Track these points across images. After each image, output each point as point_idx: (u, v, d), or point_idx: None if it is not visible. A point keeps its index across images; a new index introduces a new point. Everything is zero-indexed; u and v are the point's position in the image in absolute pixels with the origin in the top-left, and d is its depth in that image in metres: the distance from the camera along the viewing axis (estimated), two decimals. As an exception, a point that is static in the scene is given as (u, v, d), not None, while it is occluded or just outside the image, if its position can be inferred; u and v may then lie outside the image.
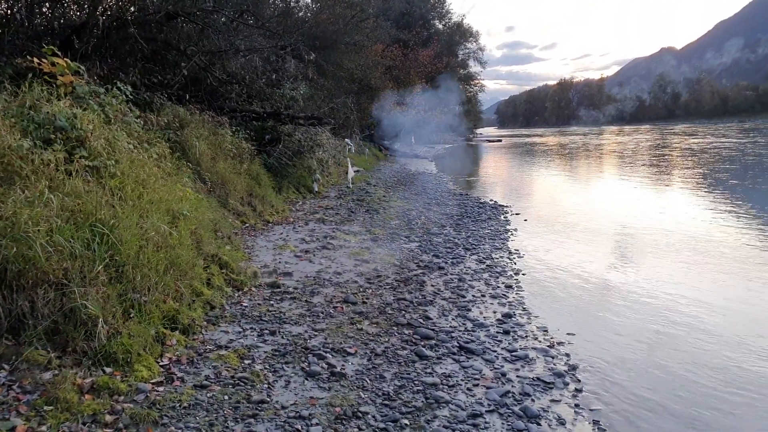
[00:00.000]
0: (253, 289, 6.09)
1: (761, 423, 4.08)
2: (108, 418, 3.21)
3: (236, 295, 5.81)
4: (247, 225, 8.91)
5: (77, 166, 4.73)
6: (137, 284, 4.29)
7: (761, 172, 21.80)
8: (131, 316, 4.10)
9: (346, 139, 19.65)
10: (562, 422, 3.88)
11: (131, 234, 4.43)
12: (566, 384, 4.48)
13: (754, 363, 5.01)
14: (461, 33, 60.84)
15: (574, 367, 4.80)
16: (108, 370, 3.62)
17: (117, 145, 5.51)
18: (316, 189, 13.49)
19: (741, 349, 5.29)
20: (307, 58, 14.32)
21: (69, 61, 6.21)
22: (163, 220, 5.11)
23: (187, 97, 10.09)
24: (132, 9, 8.75)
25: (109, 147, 5.32)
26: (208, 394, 3.70)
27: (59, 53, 6.22)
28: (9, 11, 7.78)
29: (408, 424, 3.62)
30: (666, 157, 31.47)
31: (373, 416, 3.67)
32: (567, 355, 5.07)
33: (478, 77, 67.67)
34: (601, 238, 10.67)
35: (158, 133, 7.63)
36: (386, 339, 5.01)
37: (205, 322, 4.90)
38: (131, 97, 7.08)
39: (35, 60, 5.96)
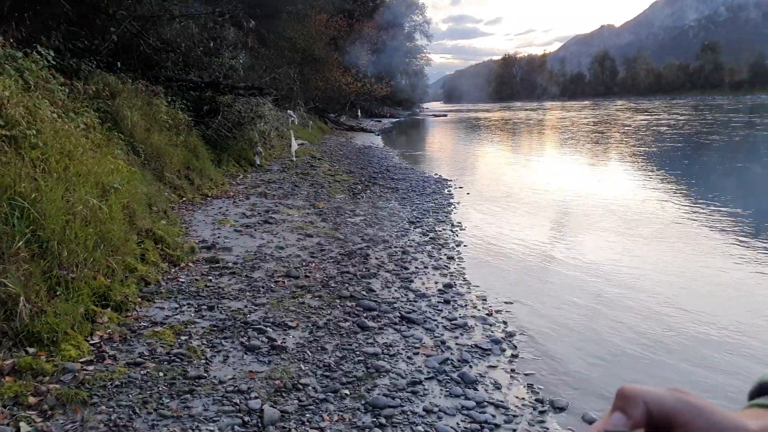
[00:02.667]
0: (191, 264, 5.92)
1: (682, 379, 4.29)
2: (32, 399, 3.06)
3: (173, 270, 5.63)
4: (184, 199, 8.63)
5: (-6, 136, 4.42)
6: (63, 260, 4.07)
7: (694, 149, 22.83)
8: (57, 293, 3.90)
9: (289, 111, 19.29)
10: (498, 387, 3.98)
11: (56, 208, 4.19)
12: (503, 350, 4.59)
13: (684, 333, 5.20)
14: (407, 5, 60.42)
15: (511, 334, 4.93)
16: (31, 350, 3.44)
17: (38, 113, 5.17)
18: (258, 162, 13.20)
19: (672, 320, 5.49)
20: (247, 26, 13.83)
21: (-18, 24, 5.77)
22: (92, 193, 4.86)
23: (119, 65, 9.57)
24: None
25: (30, 116, 4.99)
26: (142, 372, 3.58)
27: (-28, 15, 5.77)
28: None
29: (348, 394, 3.62)
30: (604, 132, 32.48)
31: (314, 388, 3.65)
32: (504, 322, 5.19)
33: (425, 51, 67.68)
34: (541, 210, 10.95)
35: (86, 103, 7.21)
36: (329, 312, 4.98)
37: (139, 299, 4.73)
38: (54, 63, 6.64)
39: (-55, 21, 5.50)
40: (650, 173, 16.02)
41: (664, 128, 33.08)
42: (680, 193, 12.69)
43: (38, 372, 3.29)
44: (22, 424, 2.89)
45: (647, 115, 50.63)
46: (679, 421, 0.45)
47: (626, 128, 34.26)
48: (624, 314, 5.54)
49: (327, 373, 3.86)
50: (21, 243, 3.71)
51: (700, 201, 11.32)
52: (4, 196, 3.85)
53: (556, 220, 10.08)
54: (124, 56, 9.98)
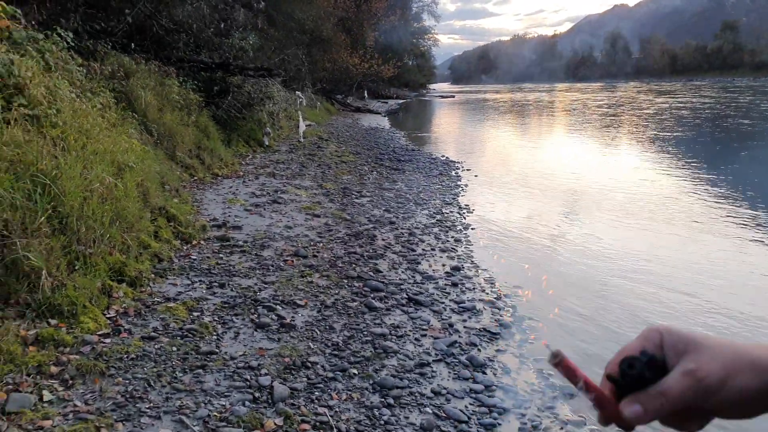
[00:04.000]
0: (202, 242, 6.05)
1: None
2: (53, 369, 3.21)
3: (185, 248, 5.77)
4: (195, 178, 8.76)
5: (16, 115, 4.53)
6: (82, 236, 4.20)
7: (711, 132, 22.62)
8: (76, 268, 4.04)
9: (297, 92, 19.31)
10: (507, 371, 4.06)
11: (74, 185, 4.31)
12: (512, 335, 4.67)
13: (697, 316, 5.30)
14: (416, -16, 59.86)
15: (520, 318, 5.01)
16: (53, 322, 3.59)
17: (58, 93, 5.27)
18: (267, 143, 13.29)
19: (684, 301, 5.60)
20: (257, 6, 13.84)
21: (4, 5, 5.84)
22: (108, 171, 4.97)
23: (133, 45, 9.65)
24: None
25: (50, 95, 5.09)
26: (156, 346, 3.72)
27: (-6, -3, 5.85)
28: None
29: (356, 373, 3.74)
30: (620, 115, 32.25)
31: (322, 366, 3.78)
32: (513, 307, 5.27)
33: (432, 31, 67.16)
34: (550, 193, 10.98)
35: (102, 83, 7.32)
36: (336, 291, 5.10)
37: (152, 275, 4.86)
38: (73, 44, 6.74)
39: (-32, 3, 5.59)
40: (670, 159, 15.77)
41: (687, 111, 32.57)
42: (703, 180, 12.36)
43: (59, 342, 3.44)
44: (44, 392, 3.04)
45: (667, 96, 49.93)
46: (690, 345, 0.58)
47: (644, 111, 33.92)
48: (635, 301, 5.60)
49: (335, 352, 3.98)
50: (43, 218, 3.84)
51: (725, 190, 11.10)
52: (27, 173, 3.97)
53: (567, 204, 10.10)
54: (138, 37, 10.05)
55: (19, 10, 6.15)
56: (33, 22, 6.53)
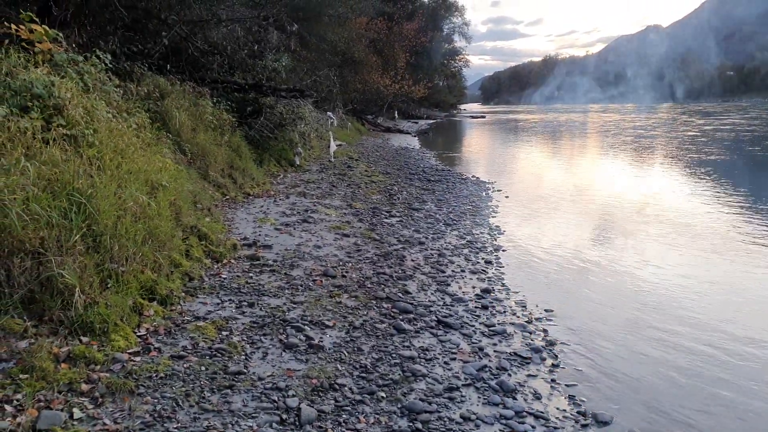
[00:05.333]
0: (233, 261, 6.09)
1: (736, 404, 4.20)
2: (84, 386, 3.22)
3: (215, 266, 5.80)
4: (227, 197, 8.86)
5: (54, 135, 4.65)
6: (115, 254, 4.26)
7: (751, 154, 22.06)
8: (108, 286, 4.08)
9: (329, 113, 19.51)
10: (538, 397, 3.96)
11: (109, 204, 4.38)
12: (543, 359, 4.56)
13: (731, 346, 5.08)
14: (446, 7, 60.25)
15: (551, 343, 4.88)
16: (85, 339, 3.62)
17: (95, 114, 5.41)
18: (298, 162, 13.41)
19: (720, 332, 5.37)
20: (290, 29, 14.07)
21: (47, 28, 6.06)
22: (142, 190, 5.06)
23: (168, 67, 9.91)
24: (113, -25, 8.52)
25: (88, 116, 5.22)
26: (185, 365, 3.72)
27: (37, 20, 6.07)
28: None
29: (384, 396, 3.68)
30: (651, 136, 31.73)
31: (350, 388, 3.73)
32: (544, 331, 5.16)
33: (463, 52, 67.36)
34: (583, 216, 10.78)
35: (138, 103, 7.50)
36: (365, 312, 5.06)
37: (183, 293, 4.89)
38: (110, 65, 6.94)
39: (13, 26, 5.80)
40: (702, 179, 15.48)
41: (723, 132, 31.85)
42: (738, 202, 12.14)
43: (90, 360, 3.46)
44: (75, 409, 3.05)
45: (701, 117, 48.95)
46: None
47: (679, 132, 33.30)
48: (669, 327, 5.42)
49: (363, 375, 3.93)
50: (78, 237, 3.90)
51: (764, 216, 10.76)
52: (64, 192, 4.06)
53: (599, 227, 9.90)
54: (174, 59, 10.32)
55: (60, 34, 6.37)
56: (74, 45, 6.75)
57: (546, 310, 5.67)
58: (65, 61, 5.94)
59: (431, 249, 7.57)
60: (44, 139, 4.57)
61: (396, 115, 44.11)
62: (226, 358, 3.91)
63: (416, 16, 44.58)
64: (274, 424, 3.23)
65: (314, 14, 17.10)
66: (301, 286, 5.55)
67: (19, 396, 3.00)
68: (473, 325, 5.08)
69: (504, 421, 3.57)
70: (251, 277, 5.65)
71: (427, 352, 4.41)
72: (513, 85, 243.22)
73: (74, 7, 7.86)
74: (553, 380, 4.23)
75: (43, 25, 6.08)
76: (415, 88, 40.28)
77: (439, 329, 4.90)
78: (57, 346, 3.43)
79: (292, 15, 13.94)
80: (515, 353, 4.59)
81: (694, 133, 32.38)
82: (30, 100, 4.86)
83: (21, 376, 3.13)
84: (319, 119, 17.71)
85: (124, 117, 6.31)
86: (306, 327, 4.56)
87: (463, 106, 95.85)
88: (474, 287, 6.17)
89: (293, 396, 3.53)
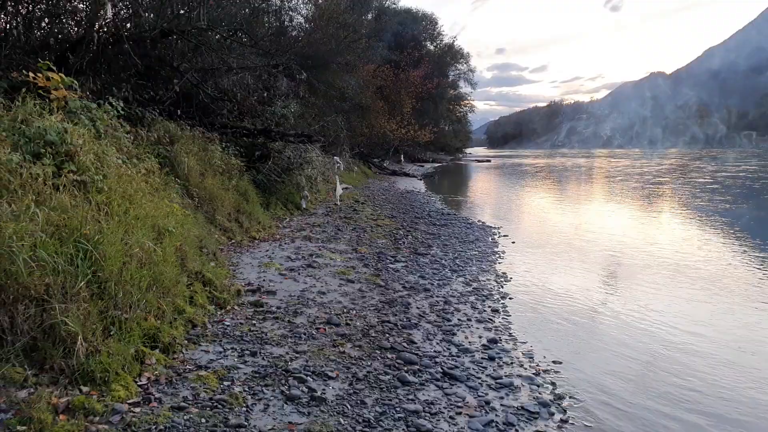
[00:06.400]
0: (236, 307, 6.05)
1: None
2: (82, 439, 3.17)
3: (219, 313, 5.77)
4: (233, 241, 8.88)
5: (65, 181, 4.71)
6: (119, 301, 4.25)
7: (753, 199, 22.04)
8: (111, 333, 4.06)
9: (335, 157, 19.71)
10: (544, 453, 3.86)
11: (115, 250, 4.39)
12: (551, 414, 4.45)
13: (746, 400, 4.97)
14: (452, 54, 61.41)
15: (560, 397, 4.77)
16: (85, 389, 3.58)
17: (106, 159, 5.49)
18: (304, 206, 13.49)
19: (734, 383, 5.27)
20: (299, 77, 14.41)
21: (63, 76, 6.23)
22: (149, 236, 5.08)
23: (179, 113, 10.12)
24: (128, 26, 8.80)
25: (98, 162, 5.31)
26: (185, 417, 3.66)
27: (54, 68, 6.24)
28: (7, 26, 7.80)
29: (388, 451, 3.60)
30: (657, 182, 31.81)
31: (353, 443, 3.65)
32: (553, 383, 5.05)
33: (468, 98, 68.29)
34: (590, 262, 10.70)
35: (148, 148, 7.63)
36: (369, 363, 4.98)
37: (186, 341, 4.85)
38: (123, 112, 7.09)
39: (30, 74, 5.97)
40: (708, 224, 15.43)
41: (730, 178, 31.95)
42: (744, 247, 12.06)
43: (89, 411, 3.41)
44: (71, 463, 3.00)
45: (703, 163, 49.11)
46: None
47: (686, 177, 33.39)
48: (682, 381, 5.30)
49: (366, 429, 3.84)
50: (83, 283, 3.90)
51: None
52: (71, 238, 4.08)
53: (608, 274, 9.81)
54: (184, 105, 10.55)
55: (76, 81, 6.53)
56: (88, 92, 6.92)
57: (554, 362, 5.56)
58: (79, 108, 6.08)
59: (437, 296, 7.51)
60: (55, 185, 4.63)
61: (402, 158, 44.51)
62: (227, 410, 3.84)
63: (422, 63, 45.45)
64: (275, 481, 3.14)
65: (323, 62, 17.53)
66: (305, 334, 5.49)
67: (15, 449, 2.95)
68: (479, 377, 4.99)
69: (511, 481, 3.46)
70: (254, 325, 5.60)
71: (432, 406, 4.32)
72: (518, 129, 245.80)
73: (90, 55, 8.09)
74: (561, 437, 4.13)
75: (59, 73, 6.25)
76: (421, 132, 40.77)
77: (445, 381, 4.81)
78: (56, 396, 3.39)
79: (301, 63, 14.29)
80: (523, 407, 4.49)
81: (703, 179, 32.44)
82: (43, 147, 4.95)
83: (19, 428, 3.08)
84: (326, 163, 17.89)
85: (133, 162, 6.41)
86: (308, 378, 4.49)
87: (468, 150, 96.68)
88: (480, 337, 6.08)
89: (294, 451, 3.45)
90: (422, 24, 56.28)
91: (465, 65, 63.61)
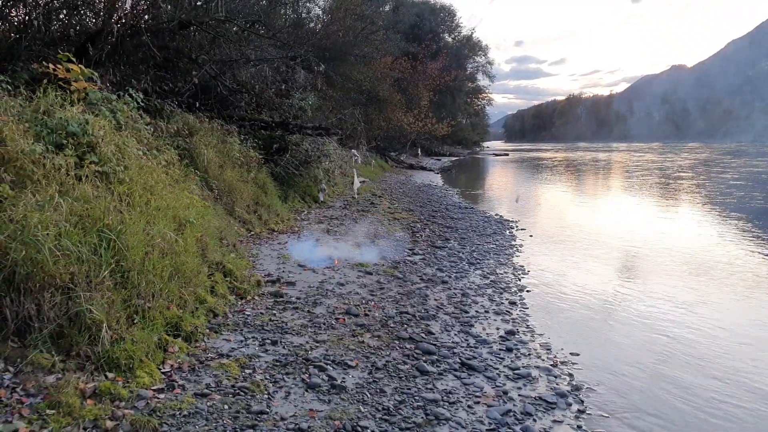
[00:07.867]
0: (256, 297, 6.11)
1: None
2: (108, 423, 3.23)
3: (239, 303, 5.83)
4: (252, 233, 8.95)
5: (87, 172, 4.78)
6: (142, 290, 4.31)
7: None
8: (135, 321, 4.13)
9: (353, 150, 19.75)
10: (563, 444, 3.86)
11: (137, 240, 4.46)
12: (569, 404, 4.45)
13: (762, 382, 4.96)
14: (470, 47, 61.04)
15: (577, 388, 4.77)
16: (110, 375, 3.65)
17: (126, 151, 5.56)
18: (322, 198, 13.53)
19: (752, 375, 5.23)
20: (317, 69, 14.43)
21: (83, 68, 6.30)
22: (170, 226, 5.14)
23: (197, 105, 10.19)
24: (146, 17, 8.86)
25: (119, 153, 5.37)
26: (208, 403, 3.71)
27: (74, 60, 6.31)
28: (27, 17, 7.90)
29: (407, 439, 3.62)
30: (675, 175, 31.38)
31: (372, 431, 3.67)
32: (570, 375, 5.04)
33: (486, 91, 67.87)
34: (608, 256, 10.61)
35: (167, 140, 7.71)
36: (387, 353, 5.01)
37: (207, 330, 4.92)
38: (142, 104, 7.16)
39: (51, 66, 6.05)
40: (727, 219, 15.19)
41: (744, 172, 31.51)
42: (763, 241, 11.93)
43: (115, 396, 3.48)
44: (98, 447, 3.06)
45: (722, 156, 48.34)
46: None
47: (699, 170, 32.90)
48: (699, 373, 5.27)
49: (386, 417, 3.87)
50: (106, 272, 3.97)
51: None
52: (94, 228, 4.14)
53: (626, 267, 9.72)
54: (203, 97, 10.62)
55: (95, 73, 6.61)
56: (108, 84, 6.99)
57: (572, 353, 5.55)
58: (99, 100, 6.15)
59: (454, 288, 7.51)
60: (77, 176, 4.69)
61: (419, 152, 44.40)
62: (249, 397, 3.89)
63: (440, 56, 45.24)
64: (296, 467, 3.18)
65: (340, 54, 17.54)
66: (324, 324, 5.53)
67: (45, 432, 3.02)
68: (497, 368, 4.99)
69: (530, 470, 3.46)
70: (274, 315, 5.65)
71: (450, 395, 4.33)
72: (536, 123, 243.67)
73: (109, 47, 8.18)
74: (579, 427, 4.12)
75: (79, 65, 6.32)
76: (439, 126, 40.59)
77: (463, 371, 4.82)
78: (83, 381, 3.46)
79: (318, 55, 14.31)
80: (540, 398, 4.49)
81: (724, 174, 31.93)
82: (65, 138, 5.02)
83: (48, 411, 3.16)
84: (343, 156, 17.94)
85: (153, 154, 6.48)
86: (328, 366, 4.53)
87: (486, 144, 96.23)
88: (498, 328, 6.08)
89: (315, 438, 3.49)
90: (440, 15, 55.97)
91: (483, 58, 63.25)
